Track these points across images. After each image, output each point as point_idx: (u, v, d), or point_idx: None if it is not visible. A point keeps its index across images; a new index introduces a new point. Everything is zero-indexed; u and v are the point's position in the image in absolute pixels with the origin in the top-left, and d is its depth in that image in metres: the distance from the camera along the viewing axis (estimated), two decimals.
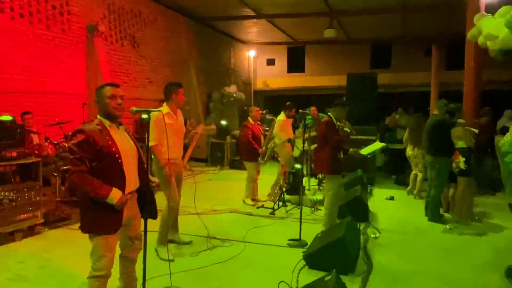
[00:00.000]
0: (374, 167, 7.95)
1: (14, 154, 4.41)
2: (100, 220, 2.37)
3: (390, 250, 4.22)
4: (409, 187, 6.89)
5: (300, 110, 6.59)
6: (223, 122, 10.81)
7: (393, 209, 6.07)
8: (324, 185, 5.63)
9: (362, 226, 4.76)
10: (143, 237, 2.56)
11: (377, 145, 5.15)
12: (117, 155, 2.39)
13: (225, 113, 11.89)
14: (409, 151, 6.70)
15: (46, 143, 5.41)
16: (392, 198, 6.63)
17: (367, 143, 5.38)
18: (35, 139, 5.68)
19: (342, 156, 4.50)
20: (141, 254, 2.61)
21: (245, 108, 13.40)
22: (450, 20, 10.90)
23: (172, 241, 4.17)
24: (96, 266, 2.40)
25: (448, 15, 10.61)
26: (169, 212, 3.91)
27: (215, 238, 4.42)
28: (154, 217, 2.64)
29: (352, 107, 8.63)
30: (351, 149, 4.77)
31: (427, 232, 4.94)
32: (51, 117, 6.55)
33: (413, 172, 6.79)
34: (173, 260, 3.60)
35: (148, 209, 2.58)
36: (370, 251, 4.11)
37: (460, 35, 7.16)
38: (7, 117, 4.70)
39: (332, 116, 4.55)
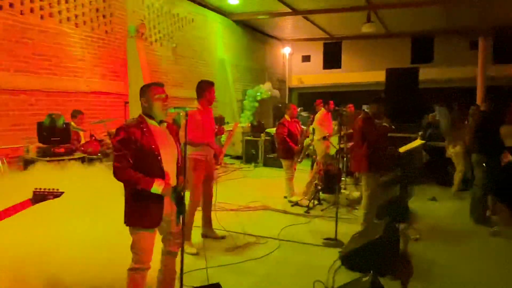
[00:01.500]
0: (416, 166, 7.64)
1: (62, 150, 4.71)
2: (142, 214, 2.46)
3: (432, 253, 4.04)
4: (453, 188, 6.56)
5: (335, 107, 6.48)
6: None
7: (435, 210, 5.81)
8: (361, 183, 5.51)
9: (402, 227, 4.59)
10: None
11: (416, 143, 4.95)
12: (156, 153, 2.46)
13: (259, 110, 11.93)
14: (450, 149, 6.39)
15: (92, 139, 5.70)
16: (434, 199, 6.34)
17: (408, 140, 5.19)
18: (83, 136, 6.01)
19: (380, 153, 4.36)
20: None
21: (280, 105, 13.39)
22: (498, 9, 10.22)
23: (205, 236, 4.26)
24: (136, 258, 2.49)
25: (496, 4, 9.94)
26: (189, 208, 3.91)
27: (250, 234, 4.46)
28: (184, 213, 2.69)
29: (391, 104, 8.42)
30: (388, 147, 4.62)
31: (472, 235, 4.67)
32: (95, 116, 6.90)
33: (457, 171, 6.48)
34: (198, 254, 3.72)
35: (180, 206, 2.64)
36: (410, 253, 3.96)
37: (510, 25, 6.69)
38: (61, 119, 5.04)
39: (368, 113, 4.43)
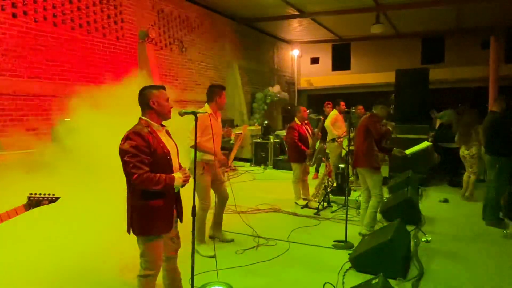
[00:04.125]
0: (427, 167, 7.56)
1: None
2: (153, 222, 2.44)
3: (443, 255, 4.00)
4: (462, 190, 6.47)
5: (345, 109, 6.48)
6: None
7: (447, 212, 5.74)
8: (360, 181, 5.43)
9: (412, 229, 4.56)
10: (189, 233, 2.65)
11: (423, 144, 4.92)
12: (168, 156, 2.49)
13: (268, 113, 11.95)
14: (464, 151, 6.30)
15: None
16: (446, 201, 6.27)
17: (417, 142, 5.16)
18: None
19: (385, 157, 4.43)
20: (189, 251, 2.70)
21: (289, 107, 13.40)
22: (510, 7, 10.06)
23: (213, 237, 4.29)
24: (146, 265, 2.49)
25: (508, 2, 9.79)
26: (200, 212, 3.90)
27: (259, 236, 4.47)
28: (181, 217, 2.69)
29: (401, 105, 8.36)
30: (394, 149, 4.64)
31: (484, 237, 4.61)
32: None
33: (466, 173, 6.39)
34: (214, 256, 3.66)
35: (180, 210, 2.67)
36: (421, 255, 3.93)
37: None
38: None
39: (375, 113, 4.52)
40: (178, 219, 2.68)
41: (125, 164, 2.34)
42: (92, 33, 7.16)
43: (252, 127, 11.06)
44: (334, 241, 4.29)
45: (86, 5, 7.02)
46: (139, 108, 2.55)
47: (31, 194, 2.10)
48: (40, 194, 2.13)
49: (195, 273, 2.61)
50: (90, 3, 7.08)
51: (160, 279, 2.71)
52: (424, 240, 4.36)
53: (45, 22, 6.31)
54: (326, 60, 16.92)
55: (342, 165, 6.38)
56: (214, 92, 4.00)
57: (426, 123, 7.91)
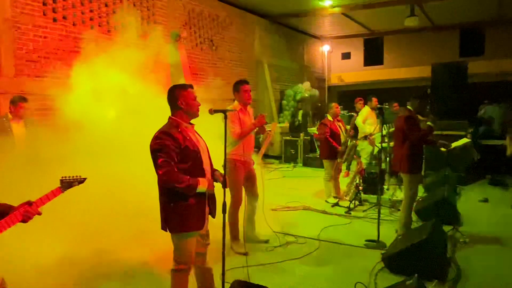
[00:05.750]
0: (465, 165, 7.23)
1: None
2: (189, 218, 2.50)
3: (482, 257, 3.82)
4: None
5: (377, 105, 6.31)
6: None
7: (487, 212, 5.47)
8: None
9: (449, 229, 4.38)
10: (221, 230, 2.70)
11: (462, 141, 4.70)
12: (198, 154, 2.53)
13: (298, 110, 11.86)
14: None
15: None
16: (486, 200, 5.97)
17: (455, 139, 4.94)
18: None
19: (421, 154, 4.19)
20: (219, 247, 2.74)
21: (319, 104, 13.23)
22: None
23: (247, 237, 4.29)
24: (180, 260, 2.56)
25: None
26: (231, 209, 3.95)
27: (289, 234, 4.46)
28: (214, 214, 2.71)
29: (437, 100, 8.03)
30: (440, 141, 4.38)
31: None
32: None
33: None
34: (247, 254, 3.69)
35: (212, 206, 2.69)
36: (459, 257, 3.77)
37: None
38: None
39: (411, 110, 4.25)
40: (210, 215, 2.72)
41: (154, 162, 2.44)
42: (126, 35, 7.40)
43: (281, 125, 11.03)
44: (366, 241, 4.20)
45: (121, 8, 7.27)
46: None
47: (63, 177, 2.29)
48: (69, 176, 2.32)
49: (225, 268, 2.65)
50: (124, 6, 7.33)
51: (192, 274, 2.77)
52: (462, 241, 4.18)
53: (83, 25, 6.61)
54: (358, 55, 16.53)
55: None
56: (235, 88, 4.05)
57: (464, 119, 7.54)
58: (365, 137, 6.42)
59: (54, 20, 6.17)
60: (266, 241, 4.26)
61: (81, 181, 2.34)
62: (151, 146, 2.45)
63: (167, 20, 8.27)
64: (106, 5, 6.99)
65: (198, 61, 9.26)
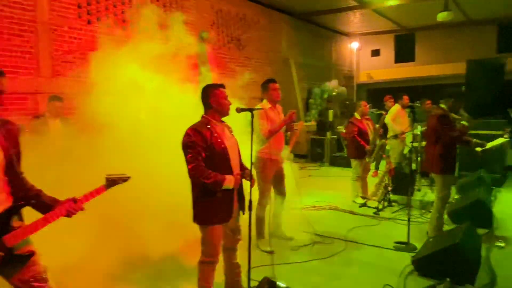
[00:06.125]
0: (502, 166, 6.89)
1: None
2: (213, 212, 2.58)
3: None
4: None
5: (408, 103, 6.13)
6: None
7: None
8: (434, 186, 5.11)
9: (483, 233, 4.20)
10: (247, 228, 2.72)
11: (498, 141, 4.47)
12: (225, 151, 2.60)
13: (326, 109, 11.72)
14: None
15: None
16: None
17: (491, 139, 4.72)
18: None
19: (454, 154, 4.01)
20: (246, 244, 2.77)
21: (347, 103, 13.01)
22: None
23: (273, 234, 4.30)
24: (206, 252, 2.65)
25: None
26: (258, 206, 3.98)
27: (316, 234, 4.43)
28: (243, 210, 2.77)
29: (473, 98, 7.69)
30: (474, 140, 4.18)
31: None
32: None
33: None
34: (273, 252, 3.71)
35: (242, 203, 2.75)
36: (494, 261, 3.61)
37: None
38: None
39: (445, 108, 4.08)
40: (241, 212, 2.77)
41: (185, 156, 2.56)
42: (156, 36, 7.59)
43: (308, 123, 10.94)
44: (395, 242, 4.10)
45: (152, 9, 7.45)
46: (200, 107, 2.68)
47: (108, 174, 2.28)
48: (115, 174, 2.31)
49: (251, 266, 2.68)
50: (154, 7, 7.51)
51: (221, 268, 2.81)
52: (497, 246, 4.00)
53: (115, 27, 6.83)
54: (388, 51, 16.09)
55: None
56: (263, 87, 4.13)
57: (501, 117, 7.18)
58: (395, 136, 6.26)
59: (88, 22, 6.42)
60: (291, 239, 4.28)
61: (126, 179, 2.30)
62: (182, 142, 2.57)
63: (196, 20, 8.40)
64: (136, 7, 7.19)
65: (225, 60, 9.34)
